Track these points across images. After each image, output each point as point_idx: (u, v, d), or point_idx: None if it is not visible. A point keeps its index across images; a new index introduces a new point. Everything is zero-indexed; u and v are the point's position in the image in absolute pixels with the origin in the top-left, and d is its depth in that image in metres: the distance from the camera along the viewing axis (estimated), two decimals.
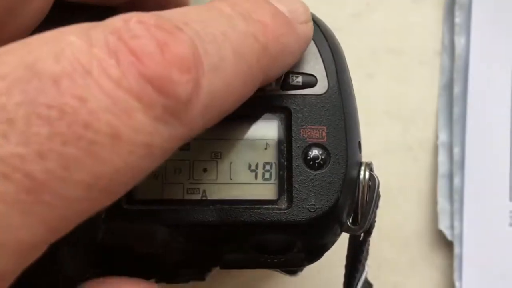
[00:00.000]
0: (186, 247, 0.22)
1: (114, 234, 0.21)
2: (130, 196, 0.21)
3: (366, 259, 0.27)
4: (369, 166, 0.23)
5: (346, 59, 0.24)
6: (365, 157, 0.40)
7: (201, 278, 0.26)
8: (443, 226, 0.36)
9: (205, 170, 0.22)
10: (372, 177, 0.23)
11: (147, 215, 0.21)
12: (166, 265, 0.24)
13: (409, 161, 0.38)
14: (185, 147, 0.22)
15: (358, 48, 0.38)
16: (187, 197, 0.22)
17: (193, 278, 0.26)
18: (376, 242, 0.37)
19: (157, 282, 0.26)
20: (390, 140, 0.38)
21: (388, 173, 0.38)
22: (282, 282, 0.36)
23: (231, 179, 0.22)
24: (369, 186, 0.23)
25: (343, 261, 0.27)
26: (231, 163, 0.22)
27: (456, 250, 0.36)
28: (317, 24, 0.23)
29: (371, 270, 0.37)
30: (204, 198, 0.22)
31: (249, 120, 0.22)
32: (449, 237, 0.36)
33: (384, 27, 0.39)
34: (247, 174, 0.22)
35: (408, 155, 0.38)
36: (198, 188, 0.22)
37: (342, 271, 0.27)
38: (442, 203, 0.37)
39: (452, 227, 0.36)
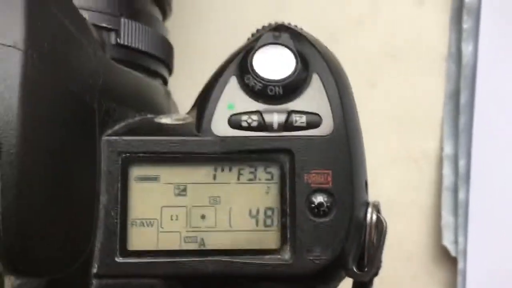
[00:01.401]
0: None
1: None
2: (123, 248, 0.20)
3: None
4: (376, 207, 0.22)
5: (348, 66, 0.23)
6: (368, 167, 0.39)
7: None
8: (447, 241, 0.35)
9: (203, 216, 0.21)
10: (379, 219, 0.22)
11: (142, 268, 0.20)
12: None
13: (413, 173, 0.37)
14: (181, 192, 0.21)
15: (361, 55, 0.37)
16: (184, 246, 0.20)
17: None
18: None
19: None
20: (393, 152, 0.37)
21: (390, 185, 0.36)
22: None
23: (230, 226, 0.21)
24: (376, 228, 0.22)
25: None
26: (230, 208, 0.21)
27: (460, 265, 0.35)
28: (321, 54, 0.22)
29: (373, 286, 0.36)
30: (202, 247, 0.20)
31: (250, 162, 0.21)
32: (452, 253, 0.35)
33: (388, 32, 0.37)
34: (248, 220, 0.21)
35: (412, 167, 0.37)
36: (196, 237, 0.20)
37: None
38: (446, 217, 0.36)
39: (456, 242, 0.35)
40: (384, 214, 0.36)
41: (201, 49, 0.36)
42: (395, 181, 0.37)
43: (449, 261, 0.36)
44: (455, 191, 0.35)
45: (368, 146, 0.32)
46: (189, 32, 0.36)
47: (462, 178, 0.35)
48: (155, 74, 0.27)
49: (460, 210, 0.35)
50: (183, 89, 0.27)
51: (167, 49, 0.27)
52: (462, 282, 0.35)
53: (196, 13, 0.37)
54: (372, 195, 0.37)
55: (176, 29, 0.32)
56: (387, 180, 0.36)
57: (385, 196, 0.37)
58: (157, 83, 0.26)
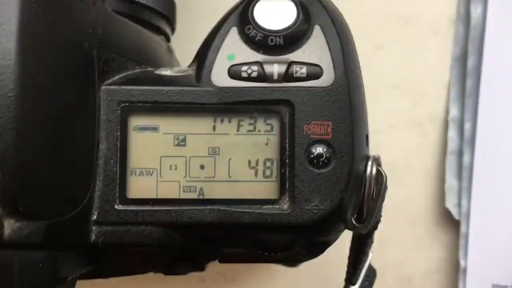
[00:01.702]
0: (183, 244, 0.21)
1: (107, 235, 0.20)
2: (123, 196, 0.20)
3: (370, 248, 0.26)
4: (376, 160, 0.22)
5: (356, 27, 0.22)
6: (372, 132, 0.39)
7: (200, 269, 0.25)
8: (450, 204, 0.35)
9: (202, 167, 0.21)
10: (379, 173, 0.22)
11: (141, 216, 0.20)
12: (162, 259, 0.23)
13: (418, 137, 0.36)
14: (180, 142, 0.21)
15: (367, 16, 0.36)
16: (184, 196, 0.20)
17: (191, 270, 0.25)
18: (381, 219, 0.36)
19: (154, 273, 0.25)
20: (398, 115, 0.36)
21: (395, 149, 0.36)
22: (283, 272, 0.35)
23: (229, 177, 0.21)
24: (376, 182, 0.22)
25: (346, 247, 0.26)
26: (229, 159, 0.21)
27: (463, 228, 0.35)
28: (324, 6, 0.21)
29: (375, 246, 0.36)
30: (201, 197, 0.20)
31: (250, 113, 0.21)
32: (455, 216, 0.35)
33: None
34: (247, 171, 0.21)
35: (417, 131, 0.36)
36: (195, 186, 0.21)
37: (345, 257, 0.26)
38: (450, 181, 0.35)
39: (459, 205, 0.35)
40: (389, 177, 0.36)
41: (206, 5, 0.35)
42: (400, 144, 0.36)
43: (452, 224, 0.36)
44: (460, 154, 0.35)
45: (373, 109, 0.32)
46: None
47: (467, 141, 0.35)
48: (157, 30, 0.26)
49: (464, 173, 0.35)
50: (187, 48, 0.27)
51: (169, 5, 0.27)
52: (465, 245, 0.35)
53: None
54: None
55: None
56: (391, 143, 0.36)
57: (389, 159, 0.37)
58: (159, 38, 0.26)
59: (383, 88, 0.36)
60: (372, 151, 0.38)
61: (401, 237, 0.36)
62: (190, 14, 0.34)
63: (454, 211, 0.35)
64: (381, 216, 0.23)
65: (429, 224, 0.36)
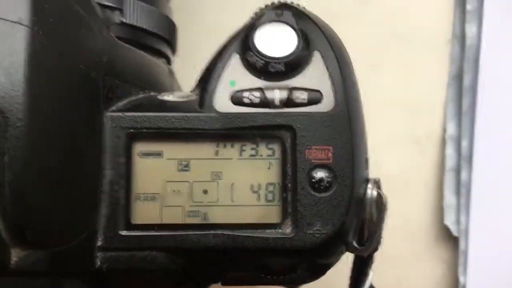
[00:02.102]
0: (186, 268, 0.22)
1: (111, 261, 0.20)
2: (127, 222, 0.20)
3: (371, 267, 0.26)
4: (376, 183, 0.22)
5: (352, 47, 0.23)
6: (371, 148, 0.39)
7: None
8: (449, 221, 0.36)
9: (205, 191, 0.21)
10: (379, 195, 0.22)
11: (146, 241, 0.20)
12: (165, 283, 0.23)
13: (416, 154, 0.37)
14: (184, 168, 0.21)
15: (364, 35, 0.37)
16: (187, 220, 0.21)
17: None
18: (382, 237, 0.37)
19: None
20: (397, 132, 0.37)
21: (394, 165, 0.37)
22: None
23: (232, 201, 0.21)
24: (376, 204, 0.22)
25: (347, 266, 0.26)
26: (232, 184, 0.21)
27: (462, 245, 0.35)
28: (323, 32, 0.22)
29: (375, 262, 0.36)
30: (205, 222, 0.21)
31: (252, 138, 0.21)
32: (454, 232, 0.36)
33: (392, 13, 0.37)
34: (249, 195, 0.21)
35: (415, 148, 0.37)
36: (199, 211, 0.21)
37: (346, 276, 0.26)
38: (449, 197, 0.36)
39: (458, 222, 0.36)
40: (388, 194, 0.36)
41: (205, 29, 0.36)
42: (398, 161, 0.37)
43: (451, 241, 0.36)
44: (458, 171, 0.36)
45: (372, 127, 0.32)
46: (193, 12, 0.37)
47: (465, 158, 0.35)
48: (159, 53, 0.27)
49: (462, 190, 0.35)
50: (188, 69, 0.27)
51: (171, 28, 0.28)
52: (464, 262, 0.35)
53: None
54: (376, 175, 0.38)
55: (180, 9, 0.32)
56: (391, 160, 0.37)
57: (389, 176, 0.37)
58: (160, 62, 0.26)
59: (381, 106, 0.37)
60: (371, 168, 0.39)
61: (401, 253, 0.37)
62: (191, 35, 0.35)
63: (453, 228, 0.36)
64: (381, 237, 0.23)
65: (428, 241, 0.37)
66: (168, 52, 0.28)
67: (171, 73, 0.27)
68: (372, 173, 0.37)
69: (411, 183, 0.37)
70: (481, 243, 0.35)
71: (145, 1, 0.25)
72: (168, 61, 0.28)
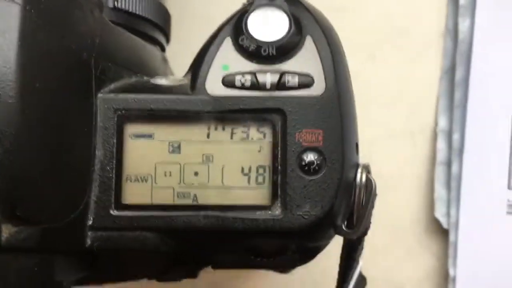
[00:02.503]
0: (177, 250, 0.22)
1: (102, 240, 0.20)
2: (118, 202, 0.21)
3: (360, 255, 0.26)
4: (366, 168, 0.22)
5: (347, 40, 0.23)
6: (364, 142, 0.39)
7: (193, 276, 0.26)
8: (439, 214, 0.36)
9: (196, 173, 0.21)
10: (368, 180, 0.22)
11: (136, 222, 0.21)
12: (156, 265, 0.23)
13: (408, 147, 0.37)
14: (175, 150, 0.21)
15: (361, 29, 0.37)
16: (178, 202, 0.21)
17: (184, 276, 0.25)
18: (372, 228, 0.37)
19: (148, 279, 0.25)
20: (391, 125, 0.37)
21: (386, 158, 0.37)
22: (275, 282, 0.36)
23: (223, 183, 0.21)
24: (365, 189, 0.22)
25: (337, 252, 0.26)
26: (223, 166, 0.21)
27: (451, 238, 0.35)
28: (315, 18, 0.22)
29: (366, 255, 0.36)
30: (195, 203, 0.21)
31: (243, 121, 0.21)
32: (444, 225, 0.36)
33: (389, 7, 0.37)
34: (240, 177, 0.21)
35: (408, 141, 0.37)
36: (189, 193, 0.21)
37: (335, 262, 0.27)
38: (439, 190, 0.36)
39: (448, 215, 0.36)
40: (379, 186, 0.36)
41: (200, 18, 0.36)
42: (390, 154, 0.37)
43: (442, 233, 0.36)
44: (449, 165, 0.36)
45: (365, 120, 0.33)
46: (189, 1, 0.37)
47: (456, 152, 0.36)
48: (152, 40, 0.27)
49: (453, 183, 0.36)
50: (182, 57, 0.28)
51: (164, 15, 0.28)
52: (454, 254, 0.35)
53: None
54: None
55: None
56: (383, 153, 0.37)
57: (381, 169, 0.37)
58: (154, 48, 0.27)
59: (375, 99, 0.37)
60: (364, 160, 0.39)
61: (392, 245, 0.37)
62: (185, 24, 0.35)
63: (443, 220, 0.36)
64: (370, 222, 0.23)
65: (419, 233, 0.37)
66: (161, 39, 0.28)
67: (164, 59, 0.28)
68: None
69: (404, 175, 0.37)
70: (471, 236, 0.35)
71: None
72: (162, 48, 0.29)
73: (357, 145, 0.23)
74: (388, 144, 0.37)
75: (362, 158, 0.37)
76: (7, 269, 0.18)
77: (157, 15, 0.27)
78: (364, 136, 0.36)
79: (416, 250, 0.37)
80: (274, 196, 0.21)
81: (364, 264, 0.35)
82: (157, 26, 0.27)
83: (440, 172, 0.36)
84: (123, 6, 0.24)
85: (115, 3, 0.24)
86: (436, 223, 0.36)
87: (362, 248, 0.26)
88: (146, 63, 0.25)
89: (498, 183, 0.35)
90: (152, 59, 0.26)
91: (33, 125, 0.18)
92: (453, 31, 0.37)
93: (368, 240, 0.37)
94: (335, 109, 0.21)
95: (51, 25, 0.19)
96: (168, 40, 0.29)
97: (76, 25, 0.20)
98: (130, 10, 0.25)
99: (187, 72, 0.23)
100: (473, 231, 0.35)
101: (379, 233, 0.37)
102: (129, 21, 0.25)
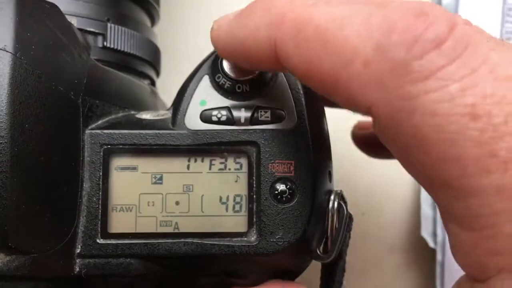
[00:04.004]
0: (160, 275, 0.23)
1: (89, 267, 0.22)
2: (104, 231, 0.22)
3: (342, 276, 0.28)
4: (338, 195, 0.24)
5: None
6: (351, 160, 0.40)
7: None
8: (426, 233, 0.37)
9: (177, 203, 0.23)
10: (341, 206, 0.23)
11: (121, 249, 0.22)
12: None
13: (395, 166, 0.38)
14: (157, 181, 0.23)
15: None
16: (160, 230, 0.22)
17: None
18: (360, 246, 0.38)
19: None
20: None
21: (373, 177, 0.38)
22: None
23: (202, 212, 0.23)
24: (338, 215, 0.23)
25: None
26: (202, 195, 0.23)
27: (438, 257, 0.36)
28: None
29: (355, 273, 0.38)
30: (176, 230, 0.22)
31: (220, 153, 0.23)
32: (431, 244, 0.37)
33: None
34: (218, 206, 0.23)
35: (394, 161, 0.38)
36: (171, 221, 0.22)
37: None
38: (425, 209, 0.37)
39: (434, 234, 0.37)
40: (368, 204, 0.38)
41: (190, 53, 0.38)
42: (377, 172, 0.38)
43: (430, 251, 0.37)
44: None
45: (351, 140, 0.34)
46: (178, 37, 0.39)
47: None
48: (142, 75, 0.29)
49: None
50: (174, 90, 0.29)
51: (154, 51, 0.29)
52: (441, 273, 0.36)
53: (185, 20, 0.39)
54: (355, 188, 0.39)
55: (166, 34, 0.34)
56: (369, 173, 0.38)
57: (368, 188, 0.39)
58: (143, 83, 0.28)
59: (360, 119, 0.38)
60: (351, 179, 0.40)
61: (381, 263, 0.38)
62: (178, 56, 0.37)
63: (429, 240, 0.37)
64: (347, 247, 0.25)
65: (407, 251, 0.38)
66: (151, 73, 0.30)
67: (153, 93, 0.29)
68: (351, 184, 0.39)
69: (390, 195, 0.38)
70: None
71: (128, 27, 0.27)
72: (152, 83, 0.30)
73: (330, 173, 0.24)
74: (375, 164, 0.38)
75: (350, 179, 0.38)
76: None
77: (145, 51, 0.28)
78: (352, 156, 0.37)
79: (405, 269, 0.38)
80: (250, 223, 0.22)
81: (354, 282, 0.36)
82: (146, 62, 0.29)
83: (426, 192, 0.37)
84: (111, 45, 0.26)
85: (104, 43, 0.26)
86: (424, 242, 0.37)
87: (343, 270, 0.27)
88: (134, 98, 0.26)
89: None
90: (141, 93, 0.27)
91: (24, 162, 0.20)
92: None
93: (356, 258, 0.38)
94: (306, 141, 0.22)
95: (40, 70, 0.20)
96: (158, 73, 0.31)
97: (64, 68, 0.22)
98: (119, 48, 0.26)
99: (171, 106, 0.25)
100: None
101: (366, 252, 0.38)
102: (118, 58, 0.27)
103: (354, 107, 0.19)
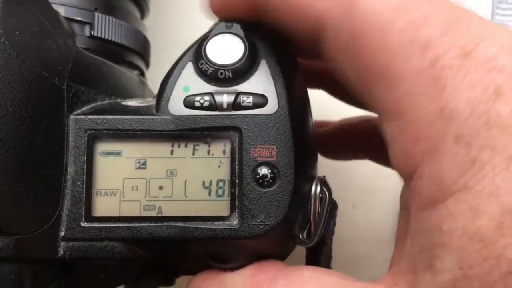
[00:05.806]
0: (146, 258, 0.23)
1: (73, 250, 0.22)
2: (88, 214, 0.22)
3: (329, 263, 0.28)
4: (321, 180, 0.24)
5: None
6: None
7: (169, 283, 0.27)
8: None
9: (161, 187, 0.23)
10: (323, 192, 0.24)
11: (105, 232, 0.22)
12: (129, 274, 0.25)
13: None
14: (141, 166, 0.23)
15: None
16: (144, 214, 0.23)
17: (161, 284, 0.27)
18: (353, 241, 0.38)
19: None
20: None
21: (365, 173, 0.38)
22: None
23: (186, 196, 0.23)
24: (320, 200, 0.24)
25: None
26: (186, 180, 0.23)
27: None
28: (271, 43, 0.24)
29: (348, 269, 0.38)
30: (159, 214, 0.23)
31: (203, 139, 0.23)
32: None
33: None
34: (201, 191, 0.23)
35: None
36: (154, 205, 0.23)
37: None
38: None
39: None
40: (358, 199, 0.38)
41: (181, 45, 0.38)
42: (369, 168, 0.38)
43: None
44: None
45: None
46: (169, 29, 0.39)
47: None
48: (131, 65, 0.29)
49: None
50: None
51: (142, 42, 0.30)
52: None
53: (176, 13, 0.39)
54: (346, 181, 0.39)
55: (159, 27, 0.34)
56: (360, 166, 0.38)
57: (359, 181, 0.39)
58: (132, 73, 0.29)
59: (353, 115, 0.38)
60: (342, 172, 0.40)
61: (373, 256, 0.38)
62: (170, 48, 0.37)
63: None
64: (332, 233, 0.25)
65: None
66: (140, 64, 0.30)
67: (142, 82, 0.30)
68: (342, 177, 0.39)
69: (382, 189, 0.38)
70: None
71: (116, 17, 0.28)
72: (141, 72, 0.31)
73: (314, 159, 0.24)
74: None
75: (342, 171, 0.39)
76: None
77: (134, 42, 0.29)
78: None
79: None
80: (232, 207, 0.23)
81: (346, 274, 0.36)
82: (134, 52, 0.29)
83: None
84: (99, 34, 0.27)
85: (92, 32, 0.26)
86: None
87: (328, 257, 0.27)
88: (122, 86, 0.27)
89: None
90: (129, 82, 0.28)
91: (7, 145, 0.20)
92: None
93: (349, 253, 0.39)
94: (287, 126, 0.23)
95: (24, 55, 0.21)
96: (147, 64, 0.31)
97: (49, 54, 0.22)
98: (106, 37, 0.27)
99: (155, 94, 0.25)
100: None
101: (359, 246, 0.38)
102: (106, 48, 0.27)
103: (303, 20, 0.21)
